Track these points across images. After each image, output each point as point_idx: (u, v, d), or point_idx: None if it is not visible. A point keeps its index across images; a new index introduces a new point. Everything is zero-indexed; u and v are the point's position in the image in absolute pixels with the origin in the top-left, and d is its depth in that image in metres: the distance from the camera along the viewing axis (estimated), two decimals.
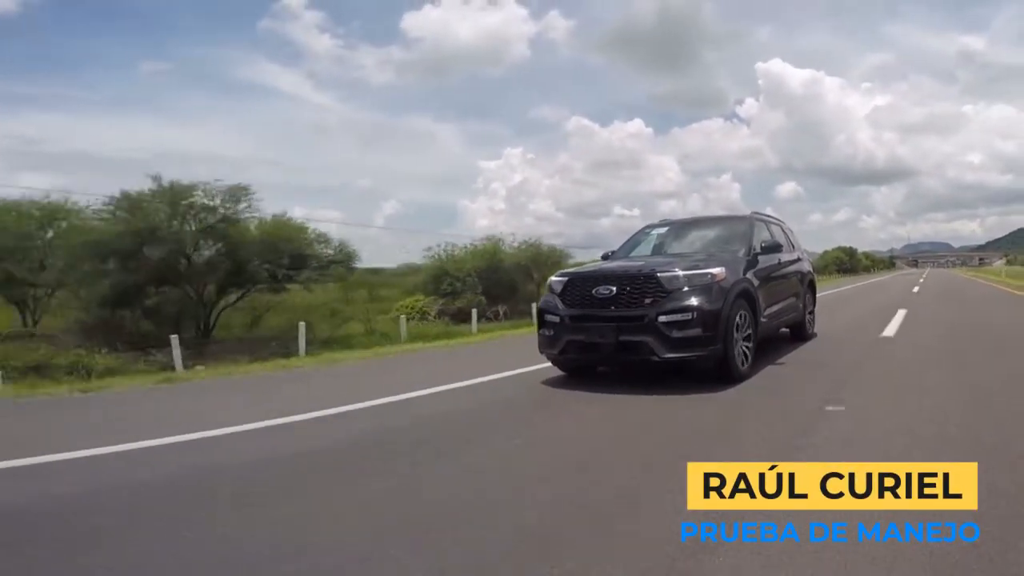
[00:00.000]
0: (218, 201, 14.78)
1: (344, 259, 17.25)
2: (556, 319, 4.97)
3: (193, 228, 14.62)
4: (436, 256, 20.24)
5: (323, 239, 16.90)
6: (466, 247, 20.71)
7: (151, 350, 11.83)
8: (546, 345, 5.15)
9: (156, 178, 14.39)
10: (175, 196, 14.28)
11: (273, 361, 8.22)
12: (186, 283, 14.76)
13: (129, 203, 14.11)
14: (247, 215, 15.32)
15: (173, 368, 8.53)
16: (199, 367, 8.73)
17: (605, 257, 6.52)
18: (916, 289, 20.01)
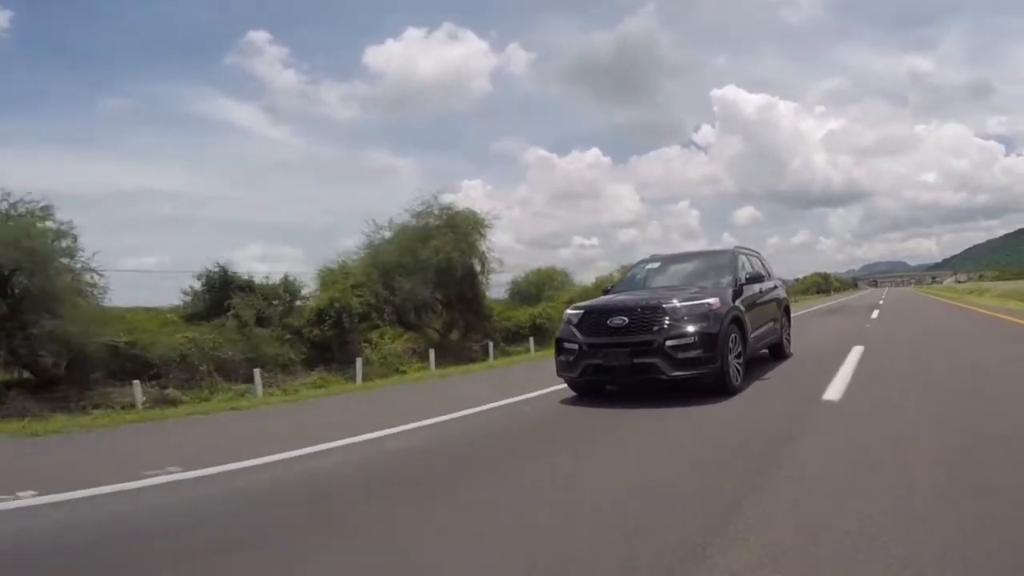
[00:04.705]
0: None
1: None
2: (575, 346, 5.65)
3: None
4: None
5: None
6: None
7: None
8: (565, 369, 5.82)
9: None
10: None
11: None
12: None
13: None
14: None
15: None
16: None
17: (606, 291, 7.28)
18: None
